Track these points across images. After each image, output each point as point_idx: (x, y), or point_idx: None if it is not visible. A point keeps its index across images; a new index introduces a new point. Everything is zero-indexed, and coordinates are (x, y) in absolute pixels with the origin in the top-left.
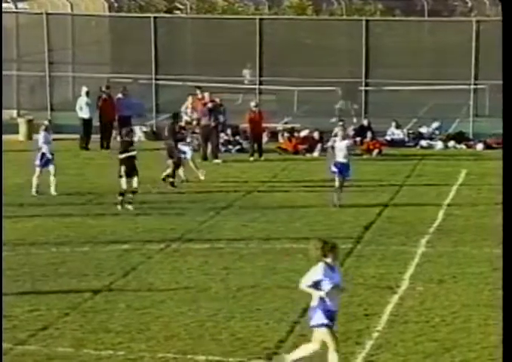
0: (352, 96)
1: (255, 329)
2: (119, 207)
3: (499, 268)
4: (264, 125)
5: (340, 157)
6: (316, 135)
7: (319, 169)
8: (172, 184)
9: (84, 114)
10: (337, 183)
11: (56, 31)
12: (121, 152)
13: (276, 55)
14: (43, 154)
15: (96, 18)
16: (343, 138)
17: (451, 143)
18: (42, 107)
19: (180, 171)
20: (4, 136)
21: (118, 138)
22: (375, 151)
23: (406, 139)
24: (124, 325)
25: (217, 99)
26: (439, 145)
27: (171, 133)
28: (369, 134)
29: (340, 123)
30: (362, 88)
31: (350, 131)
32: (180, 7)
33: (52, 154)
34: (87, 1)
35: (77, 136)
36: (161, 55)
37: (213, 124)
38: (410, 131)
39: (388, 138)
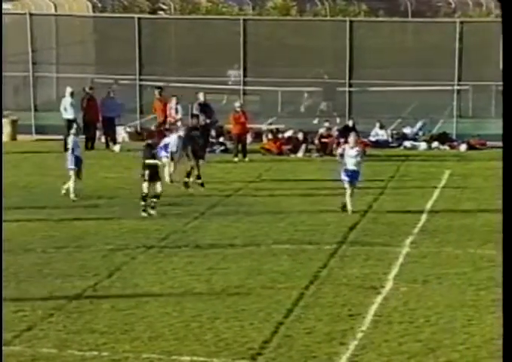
0: (331, 97)
1: (240, 329)
2: (144, 213)
3: (483, 268)
4: (248, 126)
5: (351, 164)
6: (300, 136)
7: (304, 169)
8: (202, 184)
9: (69, 114)
10: (348, 191)
11: (39, 31)
12: (147, 157)
13: (260, 56)
14: (77, 158)
15: (80, 18)
16: (354, 145)
17: (435, 144)
18: (26, 107)
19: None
20: None
21: (100, 139)
22: None
23: (390, 139)
24: (108, 326)
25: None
26: (422, 145)
27: (205, 134)
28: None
29: (326, 124)
30: (346, 89)
31: (334, 132)
32: (164, 7)
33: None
34: (70, 1)
35: (61, 136)
36: (145, 55)
37: (203, 122)
38: (394, 132)
39: (372, 139)
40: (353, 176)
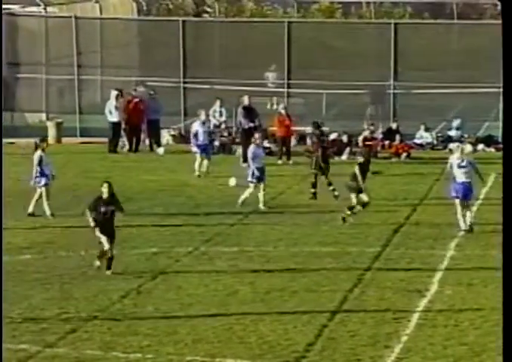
0: (379, 100)
1: (283, 332)
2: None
3: None
4: (293, 128)
5: (462, 176)
6: (344, 138)
7: (348, 172)
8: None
9: (114, 117)
10: (458, 208)
11: (84, 34)
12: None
13: (304, 58)
14: (258, 169)
15: (124, 21)
16: (461, 156)
17: (481, 146)
18: (71, 110)
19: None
20: (33, 140)
21: (145, 141)
22: (404, 155)
23: (435, 142)
24: (152, 328)
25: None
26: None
27: (319, 145)
28: (398, 137)
29: (372, 127)
30: (391, 91)
31: (379, 134)
32: (209, 10)
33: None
34: (116, 4)
35: (105, 139)
36: (189, 58)
37: (249, 125)
38: (439, 134)
39: (417, 141)
40: (464, 190)
